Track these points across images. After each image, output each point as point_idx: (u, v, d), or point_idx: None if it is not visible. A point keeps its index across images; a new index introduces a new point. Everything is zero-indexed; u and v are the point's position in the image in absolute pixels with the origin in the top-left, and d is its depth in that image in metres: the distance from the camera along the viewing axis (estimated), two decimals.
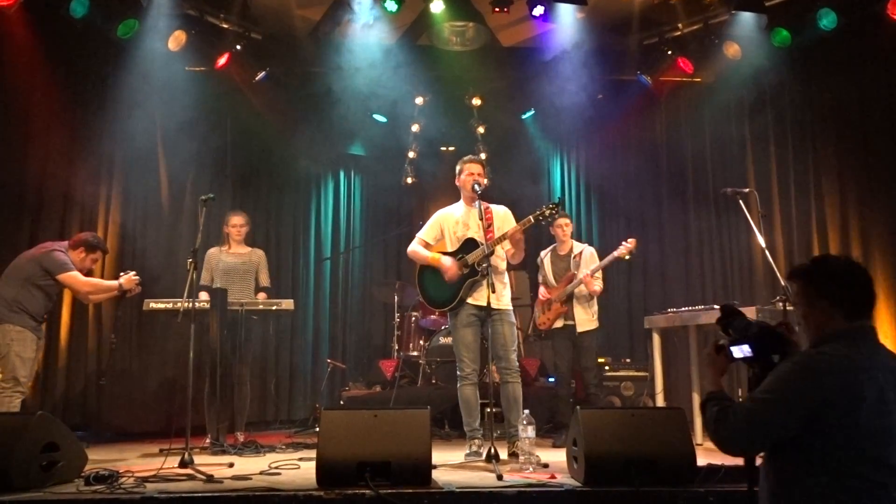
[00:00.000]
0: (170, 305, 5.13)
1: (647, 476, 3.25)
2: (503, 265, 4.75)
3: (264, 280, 5.74)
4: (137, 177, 6.77)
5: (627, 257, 5.80)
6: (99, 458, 4.50)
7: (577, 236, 7.95)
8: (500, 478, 3.52)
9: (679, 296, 7.12)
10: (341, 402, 6.98)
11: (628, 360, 7.00)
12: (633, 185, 7.98)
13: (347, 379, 7.81)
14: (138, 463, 4.39)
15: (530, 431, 3.99)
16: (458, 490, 3.24)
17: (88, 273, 5.12)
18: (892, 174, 6.30)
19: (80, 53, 6.45)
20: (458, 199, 4.92)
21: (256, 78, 7.10)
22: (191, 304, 4.49)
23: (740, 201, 5.00)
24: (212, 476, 3.61)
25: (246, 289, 5.58)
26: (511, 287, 4.89)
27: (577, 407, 3.66)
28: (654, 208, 7.81)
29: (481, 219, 4.46)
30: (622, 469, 3.28)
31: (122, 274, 5.05)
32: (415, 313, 7.36)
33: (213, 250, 5.69)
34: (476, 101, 8.02)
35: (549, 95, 7.42)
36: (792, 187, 6.94)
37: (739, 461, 2.33)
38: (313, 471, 3.34)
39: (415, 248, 4.84)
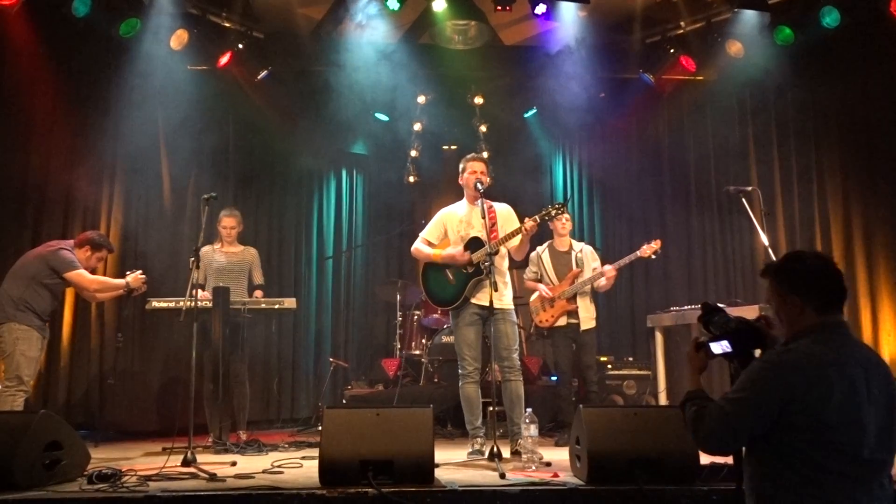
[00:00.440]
0: (172, 304, 5.14)
1: (650, 474, 3.25)
2: (505, 264, 4.75)
3: (258, 278, 5.72)
4: (140, 176, 6.78)
5: (653, 257, 5.79)
6: (102, 456, 4.51)
7: (580, 234, 7.99)
8: (502, 476, 3.52)
9: (682, 294, 7.11)
10: (344, 401, 6.98)
11: (631, 359, 6.99)
12: (635, 184, 7.97)
13: (350, 378, 7.81)
14: (141, 461, 4.39)
15: (533, 430, 3.99)
16: (460, 488, 3.24)
17: (93, 272, 5.12)
18: None
19: (82, 53, 6.45)
20: (460, 198, 4.92)
21: (258, 77, 7.10)
22: (193, 303, 4.48)
23: (743, 199, 5.00)
24: (214, 475, 3.61)
25: (239, 287, 5.56)
26: (513, 286, 4.89)
27: (580, 405, 3.65)
28: (657, 206, 7.80)
29: (484, 217, 4.46)
30: (625, 468, 3.27)
31: (128, 273, 5.06)
32: (417, 312, 7.36)
33: (206, 248, 5.63)
34: (478, 100, 8.01)
35: (552, 94, 7.42)
36: (795, 185, 6.93)
37: None
38: (316, 469, 3.35)
39: (418, 246, 4.84)
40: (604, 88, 7.64)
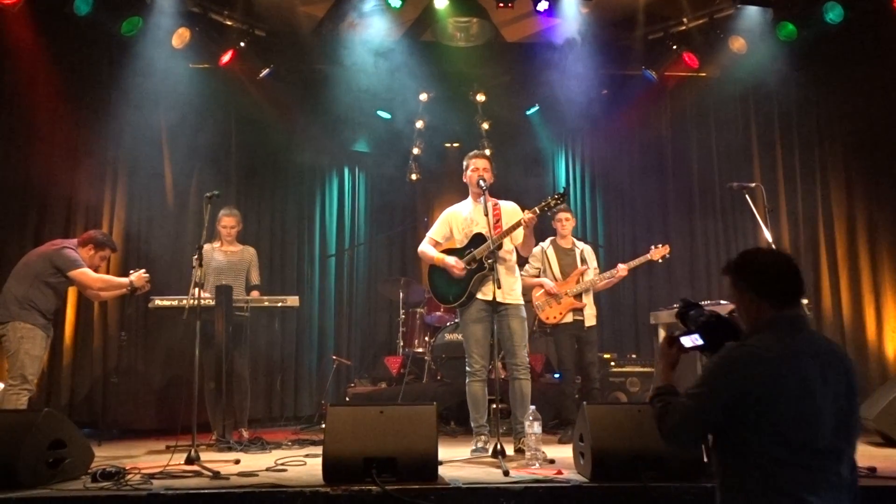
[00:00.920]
0: (175, 303, 5.14)
1: (654, 471, 3.23)
2: (513, 258, 4.73)
3: (255, 278, 5.72)
4: (142, 174, 6.78)
5: (660, 261, 5.82)
6: (106, 454, 4.51)
7: (582, 231, 7.98)
8: (506, 474, 3.51)
9: (685, 291, 7.09)
10: (347, 399, 6.98)
11: (634, 356, 6.98)
12: (637, 181, 7.96)
13: (353, 375, 7.81)
14: (145, 460, 4.39)
15: (536, 427, 3.98)
16: (464, 486, 3.23)
17: (96, 271, 5.12)
18: None
19: (84, 52, 6.46)
20: (464, 195, 4.91)
21: (261, 75, 7.11)
22: (196, 302, 4.48)
23: (746, 196, 4.98)
24: (218, 472, 3.61)
25: (237, 286, 5.55)
26: None
27: (584, 403, 3.64)
28: (659, 203, 7.79)
29: (487, 214, 4.44)
30: (629, 465, 3.26)
31: (132, 271, 5.06)
32: (420, 309, 7.35)
33: (205, 247, 5.65)
34: (480, 97, 7.99)
35: (554, 91, 7.40)
36: (798, 181, 6.92)
37: None
38: (319, 467, 3.34)
39: (424, 247, 4.84)
40: (606, 85, 7.64)
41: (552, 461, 3.99)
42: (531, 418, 4.01)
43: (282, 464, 4.00)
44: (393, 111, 8.04)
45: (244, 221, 5.89)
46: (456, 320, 6.60)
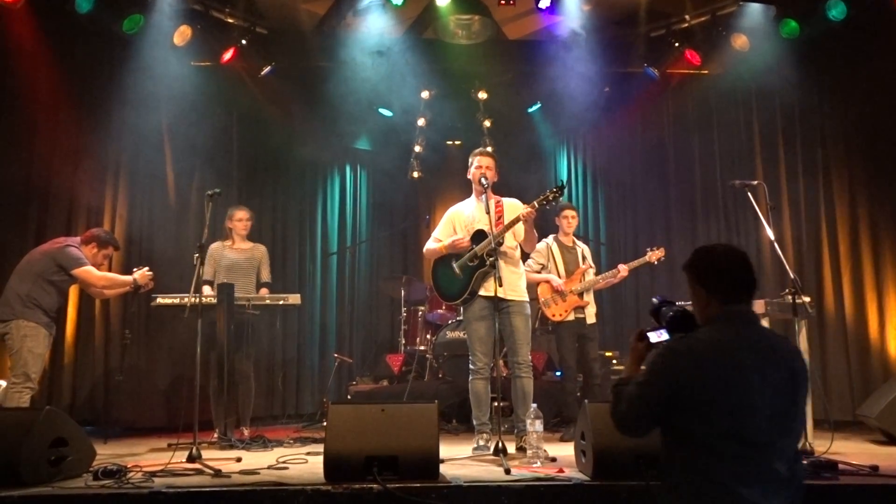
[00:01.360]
0: (177, 301, 5.14)
1: (656, 470, 3.22)
2: (516, 254, 4.71)
3: (265, 276, 5.73)
4: (144, 172, 6.79)
5: (656, 263, 5.91)
6: (109, 453, 4.52)
7: (584, 229, 7.97)
8: (507, 472, 3.50)
9: (685, 288, 7.06)
10: (348, 397, 6.99)
11: None
12: (639, 178, 7.95)
13: (354, 373, 7.82)
14: (147, 458, 4.40)
15: (538, 425, 3.97)
16: (465, 484, 3.22)
17: (99, 269, 5.12)
18: None
19: (86, 49, 6.46)
20: (465, 192, 4.91)
21: (262, 72, 7.11)
22: (198, 300, 4.48)
23: (748, 193, 4.96)
24: (219, 470, 3.60)
25: (248, 284, 5.58)
26: None
27: (585, 401, 3.63)
28: (662, 201, 7.77)
29: (488, 212, 4.43)
30: (631, 463, 3.25)
31: (135, 269, 5.06)
32: (421, 307, 7.35)
33: (215, 245, 5.67)
34: (482, 95, 7.99)
35: (556, 88, 7.38)
36: (800, 179, 6.90)
37: None
38: (321, 465, 3.33)
39: (430, 245, 4.83)
40: (608, 83, 7.62)
41: (554, 459, 3.98)
42: (533, 416, 4.00)
43: (283, 462, 4.00)
44: (394, 109, 8.04)
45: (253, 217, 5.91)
46: (458, 318, 6.62)
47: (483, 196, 4.58)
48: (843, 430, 5.66)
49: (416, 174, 8.56)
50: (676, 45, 7.02)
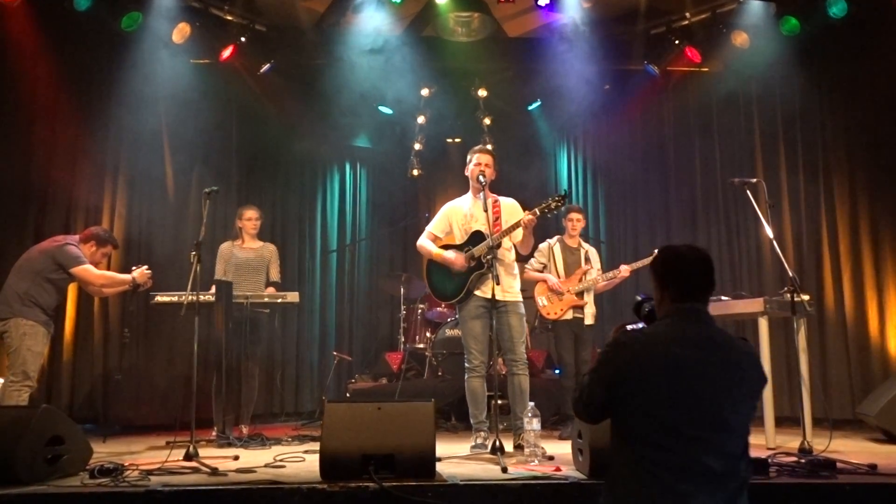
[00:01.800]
0: (177, 299, 5.14)
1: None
2: (511, 256, 4.71)
3: (274, 275, 5.73)
4: (142, 170, 6.78)
5: None
6: (107, 451, 4.52)
7: (585, 228, 7.94)
8: (504, 470, 3.50)
9: None
10: (347, 395, 6.98)
11: None
12: (639, 176, 7.93)
13: (354, 371, 7.81)
14: (145, 456, 4.39)
15: (536, 424, 3.97)
16: (462, 482, 3.21)
17: (98, 267, 5.11)
18: None
19: (84, 47, 6.46)
20: (464, 190, 4.89)
21: (261, 70, 7.10)
22: (195, 298, 4.47)
23: (748, 191, 4.95)
24: (216, 469, 3.60)
25: (258, 283, 5.59)
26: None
27: None
28: (662, 198, 7.75)
29: (486, 210, 4.43)
30: None
31: (134, 268, 5.05)
32: (421, 305, 7.35)
33: (225, 245, 5.69)
34: (482, 93, 7.97)
35: (556, 86, 7.37)
36: (801, 177, 6.88)
37: None
38: (318, 463, 3.34)
39: (423, 242, 4.82)
40: (608, 80, 7.60)
41: (551, 458, 3.98)
42: (530, 415, 4.00)
43: (280, 460, 4.00)
44: (394, 106, 8.02)
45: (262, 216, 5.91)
46: (457, 316, 6.60)
47: (481, 194, 4.57)
48: (842, 428, 5.66)
49: (415, 172, 8.54)
50: (677, 42, 7.00)
